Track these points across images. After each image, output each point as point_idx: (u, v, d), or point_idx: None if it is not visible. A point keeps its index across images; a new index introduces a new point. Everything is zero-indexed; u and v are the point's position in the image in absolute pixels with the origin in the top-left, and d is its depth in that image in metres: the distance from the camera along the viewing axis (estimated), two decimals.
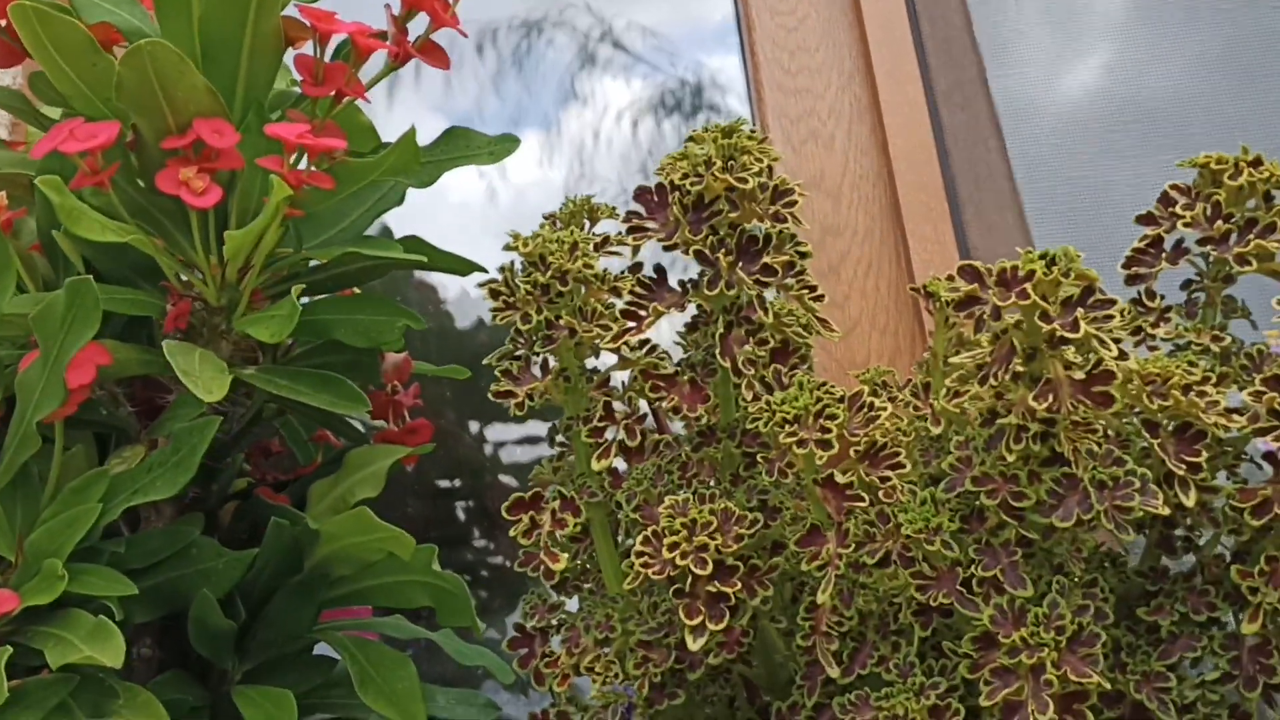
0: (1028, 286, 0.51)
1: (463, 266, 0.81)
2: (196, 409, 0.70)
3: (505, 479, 1.25)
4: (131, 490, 0.67)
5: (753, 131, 0.71)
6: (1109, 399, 0.50)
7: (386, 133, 0.87)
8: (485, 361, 0.67)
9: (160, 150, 0.70)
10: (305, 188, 0.70)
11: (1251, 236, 0.59)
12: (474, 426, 1.27)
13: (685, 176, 0.60)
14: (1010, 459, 0.52)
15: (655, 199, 0.62)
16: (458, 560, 1.17)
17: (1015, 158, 1.05)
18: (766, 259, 0.59)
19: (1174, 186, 0.63)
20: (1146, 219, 0.63)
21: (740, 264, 0.60)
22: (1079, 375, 0.51)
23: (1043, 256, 0.52)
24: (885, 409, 0.57)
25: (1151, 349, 0.62)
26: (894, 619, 0.56)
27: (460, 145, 0.84)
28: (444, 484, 1.23)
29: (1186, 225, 0.60)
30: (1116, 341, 0.53)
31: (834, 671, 0.56)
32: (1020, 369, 0.52)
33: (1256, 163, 0.61)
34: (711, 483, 0.60)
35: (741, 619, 0.58)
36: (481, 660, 0.86)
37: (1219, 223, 0.60)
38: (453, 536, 1.13)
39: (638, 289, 0.61)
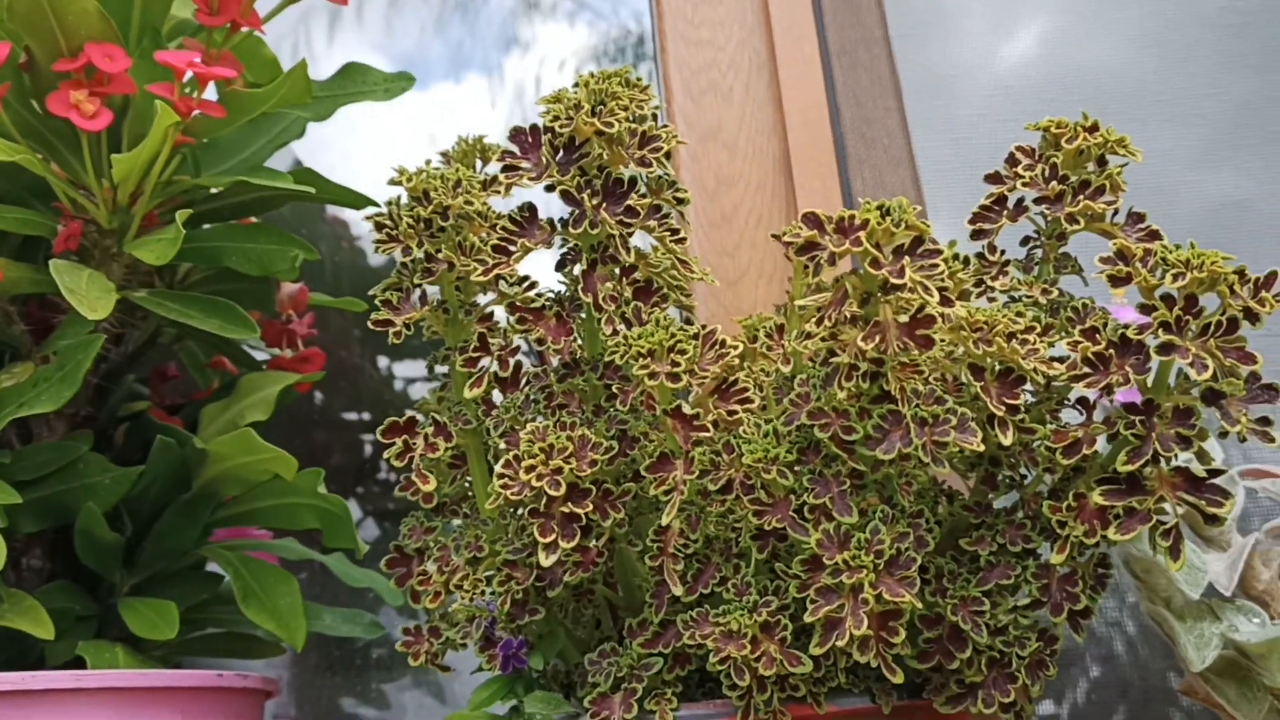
0: (861, 234, 0.55)
1: (353, 200, 0.83)
2: (85, 328, 0.72)
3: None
4: (17, 404, 0.69)
5: (633, 79, 0.74)
6: (929, 341, 0.54)
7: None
8: (370, 293, 0.70)
9: (52, 73, 0.71)
10: (197, 115, 0.72)
11: (1082, 197, 0.63)
12: (383, 362, 1.29)
13: (556, 119, 0.63)
14: (841, 396, 0.56)
15: (530, 140, 0.65)
16: (368, 494, 1.19)
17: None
18: (630, 201, 0.62)
19: (1019, 148, 0.67)
20: (993, 178, 0.67)
21: (605, 205, 0.63)
22: (903, 319, 0.55)
23: (879, 208, 0.56)
24: (736, 347, 0.61)
25: (991, 300, 0.66)
26: (736, 543, 0.60)
27: (357, 81, 0.86)
28: (350, 417, 1.25)
29: (1025, 185, 0.64)
30: (943, 289, 0.57)
31: (679, 590, 0.60)
32: (854, 312, 0.56)
33: (1093, 128, 0.65)
34: (576, 413, 0.64)
35: (596, 540, 0.61)
36: (370, 583, 0.89)
37: (1053, 183, 0.64)
38: (361, 468, 1.15)
39: (509, 225, 0.64)
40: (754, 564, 0.59)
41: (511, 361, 0.67)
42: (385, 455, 0.66)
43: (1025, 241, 0.67)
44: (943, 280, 0.55)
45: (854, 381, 0.56)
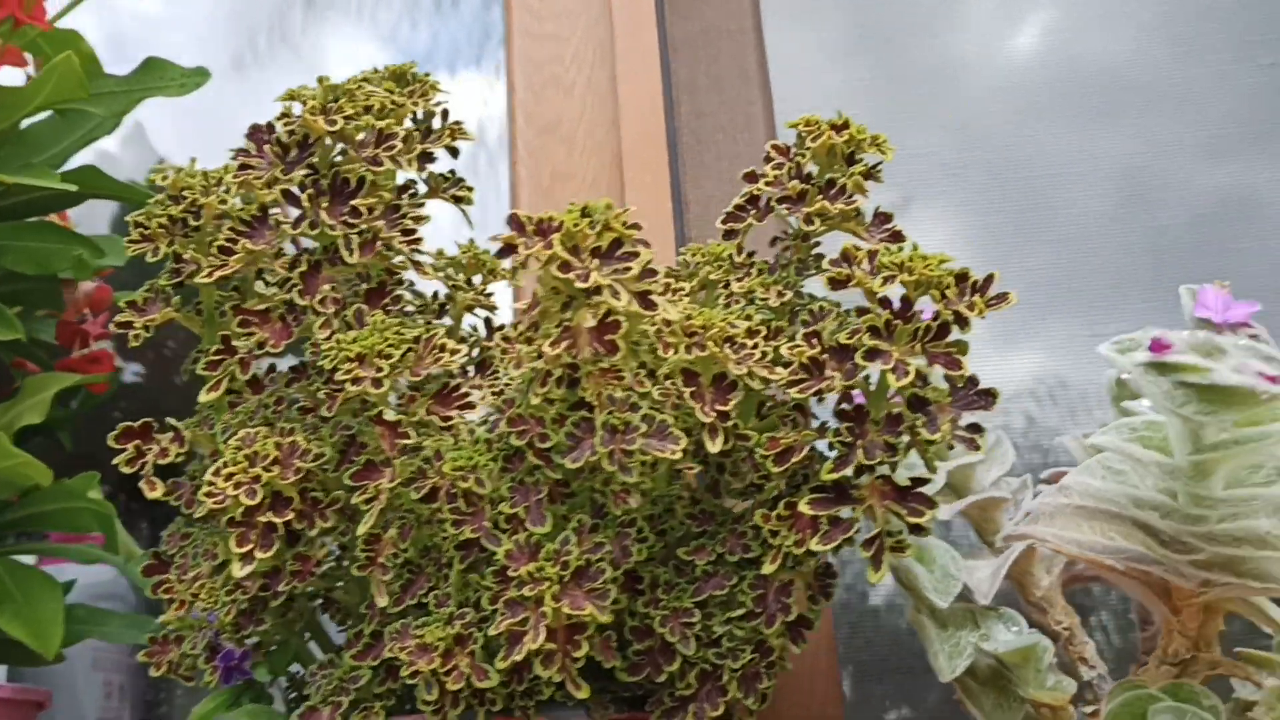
0: (554, 237, 0.53)
1: (136, 196, 0.82)
2: None
3: None
4: None
5: (417, 75, 0.73)
6: (615, 346, 0.53)
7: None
8: (119, 296, 0.68)
9: None
10: None
11: (819, 196, 0.61)
12: None
13: (282, 117, 0.61)
14: (535, 401, 0.55)
15: (265, 137, 0.63)
16: None
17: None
18: (356, 201, 0.61)
19: (774, 146, 0.65)
20: (749, 176, 0.66)
21: (331, 205, 0.61)
22: (590, 323, 0.53)
23: (582, 209, 0.55)
24: (459, 350, 0.59)
25: (733, 302, 0.64)
26: (445, 552, 0.59)
27: (155, 76, 0.85)
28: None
29: (769, 184, 0.63)
30: (644, 293, 0.55)
31: (383, 601, 0.58)
32: (545, 317, 0.54)
33: (841, 126, 0.63)
34: (300, 418, 0.62)
35: (309, 549, 0.60)
36: None
37: (794, 182, 0.62)
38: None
39: (236, 226, 0.62)
40: (456, 575, 0.58)
41: (253, 365, 0.65)
42: (115, 461, 0.65)
43: (773, 242, 0.65)
44: (647, 285, 0.53)
45: (548, 387, 0.55)
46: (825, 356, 0.56)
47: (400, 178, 0.72)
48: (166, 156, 1.29)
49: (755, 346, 0.58)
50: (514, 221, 0.55)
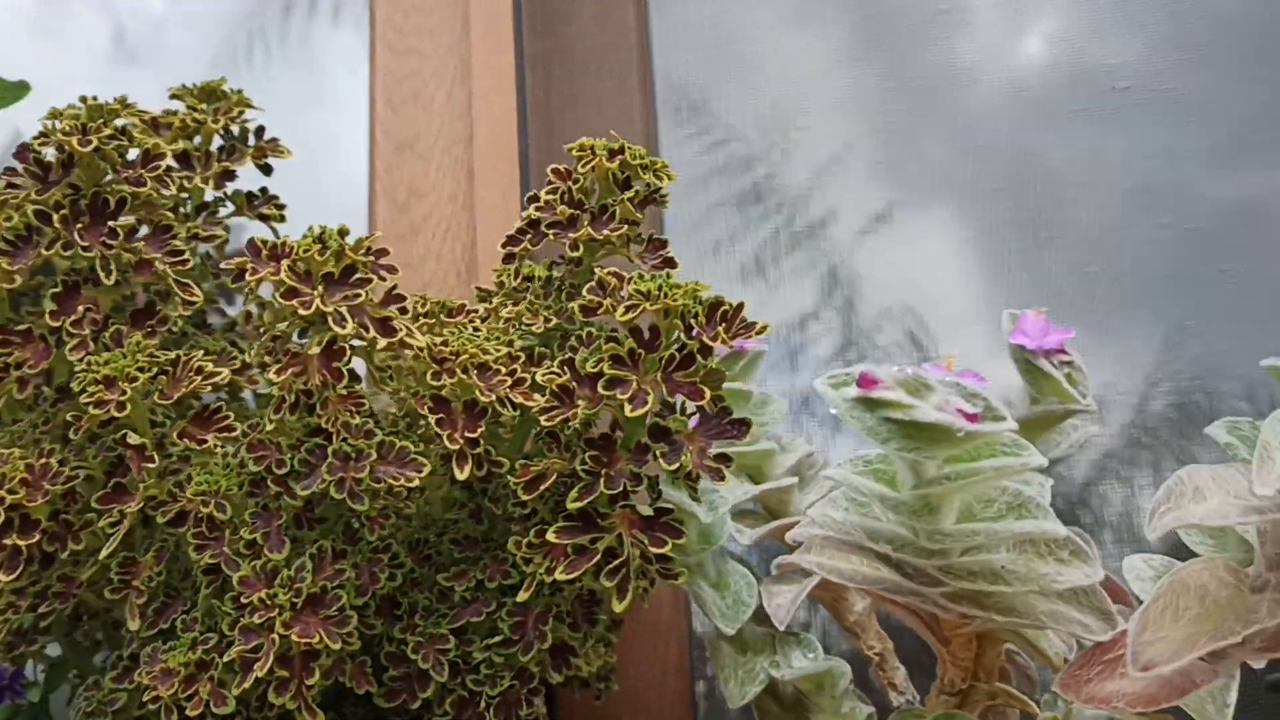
0: (284, 262, 0.53)
1: None
2: None
3: None
4: None
5: (225, 90, 0.72)
6: (340, 374, 0.52)
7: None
8: None
9: None
10: None
11: (585, 223, 0.61)
12: None
13: (39, 136, 0.61)
14: (269, 428, 0.54)
15: (28, 156, 0.63)
16: None
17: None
18: (113, 222, 0.60)
19: (554, 170, 0.65)
20: (532, 199, 0.65)
21: (89, 225, 0.60)
22: (315, 350, 0.53)
23: (318, 236, 0.54)
24: (219, 373, 0.59)
25: (512, 328, 0.64)
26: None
27: None
28: None
29: (539, 210, 0.62)
30: (385, 320, 0.55)
31: (135, 624, 0.58)
32: (274, 344, 0.54)
33: (617, 151, 0.63)
34: (64, 440, 0.62)
35: (74, 570, 0.60)
36: None
37: (564, 207, 0.62)
38: None
39: (1, 245, 0.62)
40: (203, 599, 0.57)
41: (31, 384, 0.65)
42: None
43: (550, 265, 0.65)
44: (384, 310, 0.53)
45: (282, 413, 0.54)
46: (574, 384, 0.56)
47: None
48: None
49: (512, 373, 0.58)
50: (251, 246, 0.55)
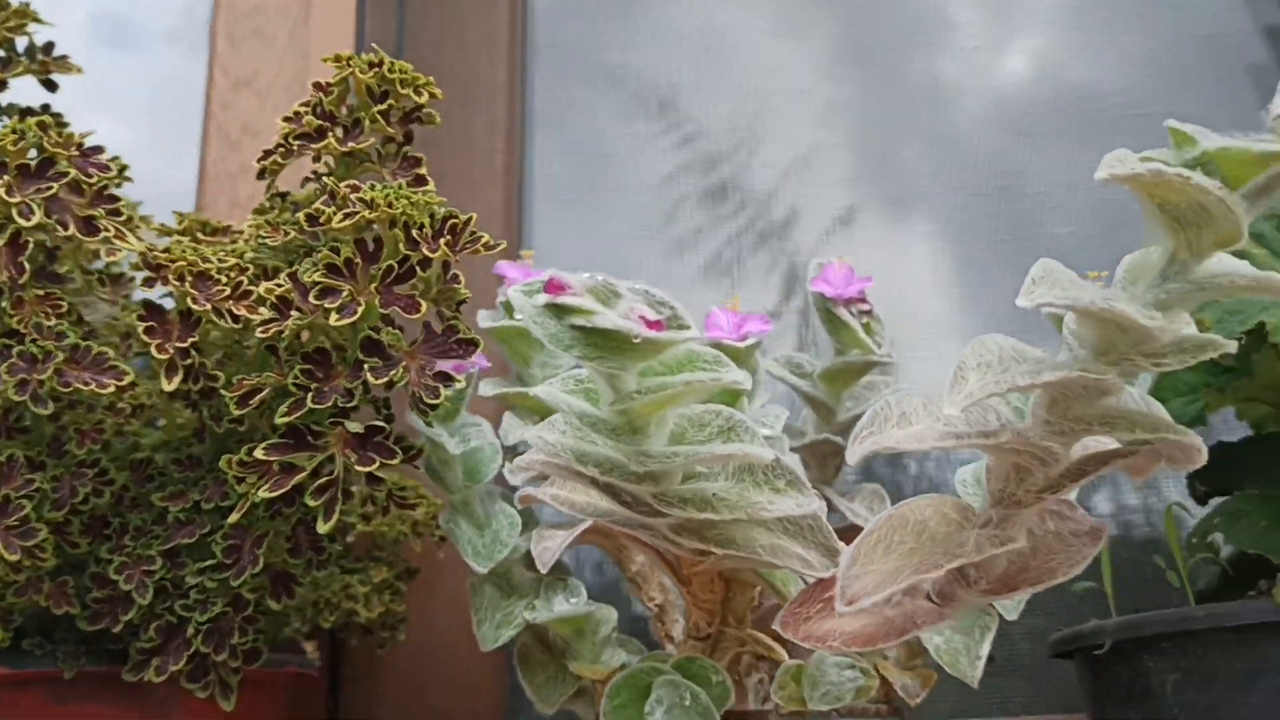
0: None
1: None
2: None
3: None
4: None
5: None
6: (22, 268, 0.50)
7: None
8: None
9: None
10: None
11: (332, 136, 0.59)
12: None
13: None
14: None
15: None
16: None
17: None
18: None
19: (315, 84, 0.62)
20: (289, 117, 0.63)
21: None
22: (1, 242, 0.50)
23: (16, 126, 0.51)
24: None
25: (264, 243, 0.61)
26: None
27: None
28: None
29: (288, 122, 0.60)
30: (90, 219, 0.52)
31: None
32: None
33: (375, 64, 0.61)
34: None
35: None
36: None
37: (309, 118, 0.59)
38: None
39: None
40: None
41: None
42: None
43: (305, 181, 0.62)
44: (93, 209, 0.50)
45: None
46: (295, 296, 0.53)
47: None
48: None
49: (237, 285, 0.55)
50: None
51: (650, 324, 0.44)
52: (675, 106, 1.10)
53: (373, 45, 0.61)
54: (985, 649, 0.63)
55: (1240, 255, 0.61)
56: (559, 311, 0.45)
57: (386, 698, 0.87)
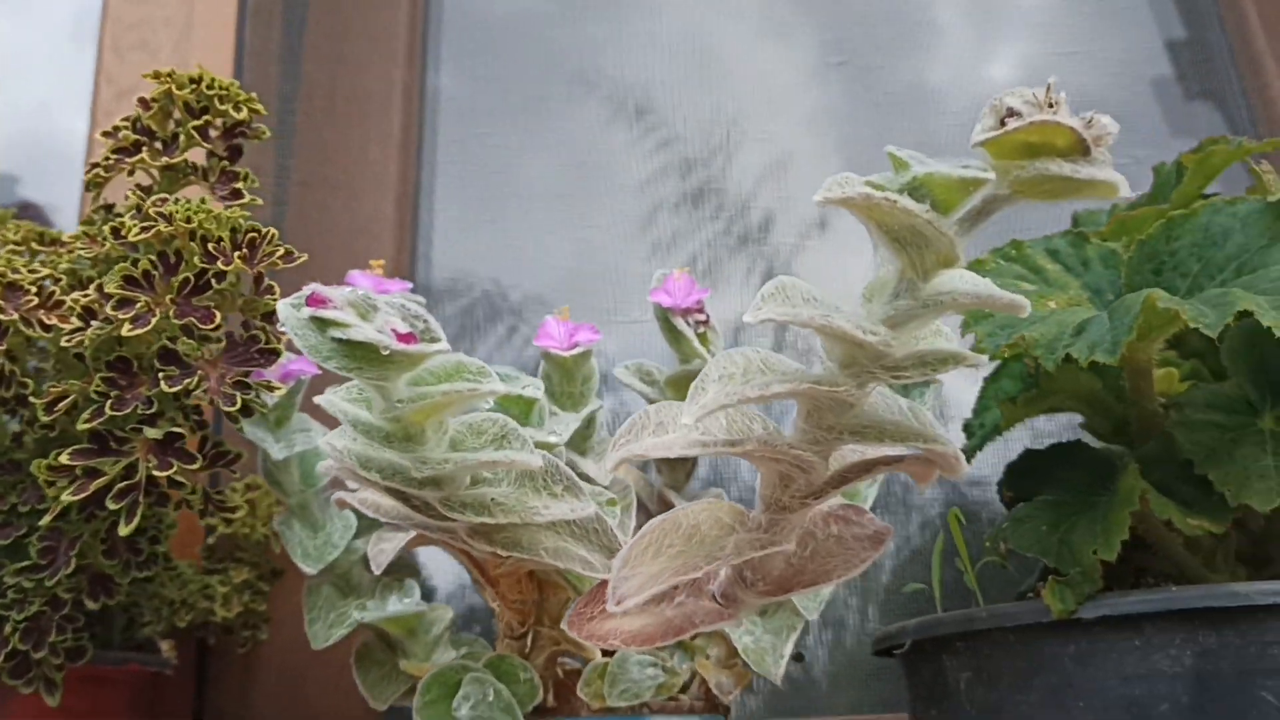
0: None
1: None
2: None
3: None
4: None
5: None
6: None
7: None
8: None
9: None
10: None
11: (147, 151, 0.61)
12: None
13: None
14: None
15: None
16: None
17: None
18: None
19: (139, 99, 0.64)
20: (111, 131, 0.64)
21: None
22: None
23: None
24: None
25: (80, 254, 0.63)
26: None
27: None
28: None
29: (106, 136, 0.62)
30: None
31: None
32: None
33: (195, 80, 0.62)
34: None
35: None
36: None
37: (126, 132, 0.61)
38: None
39: None
40: None
41: None
42: None
43: (137, 191, 0.64)
44: None
45: None
46: (99, 305, 0.55)
47: None
48: None
49: (48, 296, 0.57)
50: None
51: (401, 336, 0.47)
52: (571, 110, 1.11)
53: (197, 64, 0.63)
54: (789, 648, 0.65)
55: (1022, 263, 0.63)
56: (320, 324, 0.47)
57: (260, 696, 0.89)
